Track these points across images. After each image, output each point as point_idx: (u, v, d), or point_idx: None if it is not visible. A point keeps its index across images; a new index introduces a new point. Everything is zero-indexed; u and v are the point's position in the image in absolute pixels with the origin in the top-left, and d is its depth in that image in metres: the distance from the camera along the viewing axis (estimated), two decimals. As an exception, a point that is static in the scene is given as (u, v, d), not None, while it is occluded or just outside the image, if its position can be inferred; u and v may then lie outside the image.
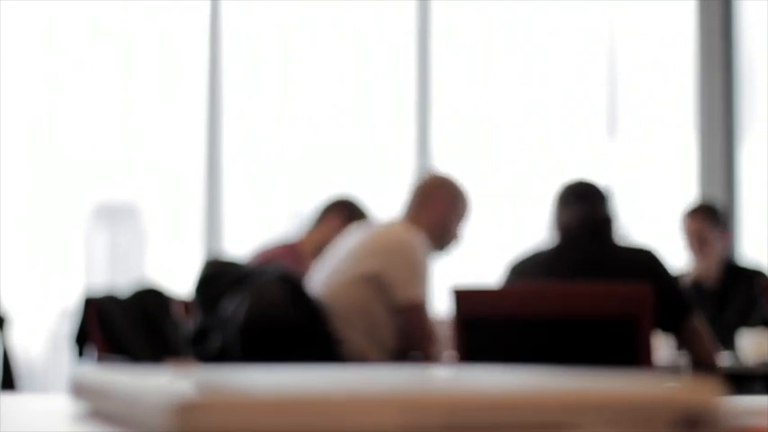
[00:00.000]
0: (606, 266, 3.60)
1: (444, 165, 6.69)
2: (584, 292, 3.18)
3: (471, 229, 4.16)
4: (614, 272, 3.54)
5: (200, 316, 3.81)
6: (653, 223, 6.82)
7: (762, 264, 5.57)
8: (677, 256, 5.51)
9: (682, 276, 5.31)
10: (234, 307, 3.69)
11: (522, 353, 3.12)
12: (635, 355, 3.07)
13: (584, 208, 3.71)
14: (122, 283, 5.35)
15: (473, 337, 3.22)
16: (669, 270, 3.64)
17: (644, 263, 3.59)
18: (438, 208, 4.02)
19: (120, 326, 4.26)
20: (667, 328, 3.61)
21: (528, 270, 3.70)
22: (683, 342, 3.71)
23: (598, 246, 3.67)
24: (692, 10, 7.14)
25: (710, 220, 5.27)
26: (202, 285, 3.82)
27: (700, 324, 3.72)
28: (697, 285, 5.24)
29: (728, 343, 4.85)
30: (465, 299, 3.24)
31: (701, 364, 3.73)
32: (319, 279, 3.96)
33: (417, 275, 3.84)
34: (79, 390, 0.72)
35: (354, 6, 6.97)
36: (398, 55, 6.94)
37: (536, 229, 3.87)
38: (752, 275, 5.16)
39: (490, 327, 3.21)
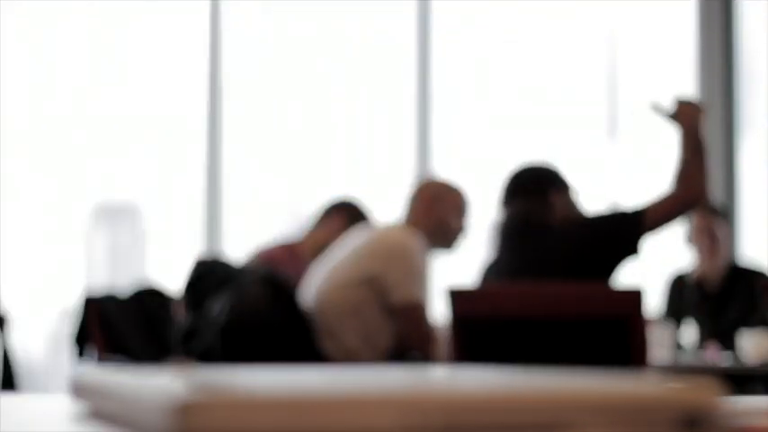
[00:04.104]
0: (548, 261, 3.63)
1: (444, 166, 6.69)
2: (579, 292, 3.19)
3: (471, 230, 4.16)
4: (558, 262, 3.58)
5: (189, 316, 3.82)
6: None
7: (762, 264, 5.57)
8: (677, 257, 5.51)
9: (686, 276, 5.32)
10: (218, 307, 3.70)
11: (517, 353, 3.13)
12: (630, 355, 3.08)
13: (511, 208, 3.76)
14: (122, 283, 5.35)
15: (469, 337, 3.23)
16: (596, 212, 3.69)
17: (573, 232, 3.63)
18: (436, 211, 4.04)
19: (120, 326, 4.26)
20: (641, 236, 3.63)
21: (492, 274, 3.77)
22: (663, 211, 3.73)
23: (532, 244, 3.70)
24: (692, 10, 7.14)
25: (718, 218, 5.28)
26: (191, 285, 3.83)
27: (657, 202, 3.75)
28: (699, 285, 5.24)
29: (728, 343, 4.85)
30: (461, 299, 3.24)
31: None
32: (317, 280, 3.97)
33: (415, 276, 3.85)
34: (79, 390, 0.72)
35: (354, 7, 6.97)
36: (398, 55, 6.94)
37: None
38: (753, 276, 5.16)
39: (486, 327, 3.21)
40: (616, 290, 3.25)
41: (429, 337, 3.89)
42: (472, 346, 3.20)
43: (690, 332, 5.02)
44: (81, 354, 4.28)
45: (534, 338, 3.14)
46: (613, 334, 3.09)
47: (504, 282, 3.66)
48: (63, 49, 6.54)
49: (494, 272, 3.76)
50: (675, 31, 7.22)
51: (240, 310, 3.66)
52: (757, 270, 5.23)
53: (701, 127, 3.76)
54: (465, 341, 3.21)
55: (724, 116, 7.02)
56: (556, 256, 3.62)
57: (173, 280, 4.32)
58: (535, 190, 3.77)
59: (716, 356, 4.69)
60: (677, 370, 4.42)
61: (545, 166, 3.87)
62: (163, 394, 0.55)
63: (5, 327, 4.42)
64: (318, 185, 6.58)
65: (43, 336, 6.50)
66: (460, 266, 5.22)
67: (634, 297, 3.10)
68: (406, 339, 3.90)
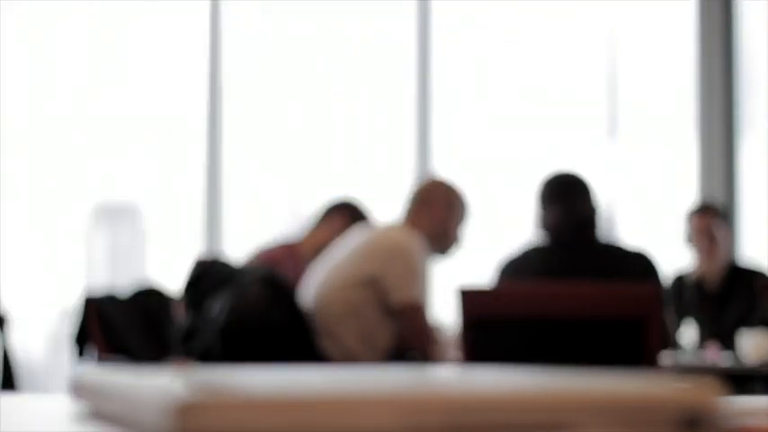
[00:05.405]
0: (600, 270, 3.59)
1: (444, 166, 6.69)
2: (592, 292, 3.17)
3: (471, 230, 4.16)
4: (608, 275, 3.54)
5: (189, 316, 3.82)
6: (653, 223, 6.82)
7: (762, 264, 5.57)
8: (677, 257, 5.52)
9: (686, 276, 5.32)
10: (218, 307, 3.70)
11: (529, 353, 3.12)
12: (643, 356, 3.07)
13: (567, 206, 3.69)
14: (122, 283, 5.35)
15: (480, 337, 3.22)
16: (661, 280, 3.63)
17: (639, 272, 3.58)
18: (436, 212, 4.03)
19: (120, 326, 4.26)
20: None
21: (519, 271, 3.70)
22: None
23: (588, 247, 3.66)
24: (692, 10, 7.14)
25: (718, 218, 5.29)
26: (191, 285, 3.83)
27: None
28: (699, 285, 5.24)
29: (728, 343, 4.85)
30: (472, 299, 3.23)
31: None
32: (316, 280, 3.97)
33: (414, 277, 3.84)
34: (79, 390, 0.72)
35: (354, 7, 6.97)
36: (398, 55, 6.94)
37: (532, 232, 3.86)
38: (752, 276, 5.17)
39: (497, 327, 3.20)
40: (630, 290, 3.23)
41: (429, 338, 3.88)
42: (484, 347, 3.19)
43: (690, 332, 5.02)
44: (81, 354, 4.27)
45: (546, 339, 3.13)
46: (627, 334, 3.08)
47: (539, 281, 3.62)
48: (63, 49, 6.54)
49: (530, 270, 3.69)
50: (675, 31, 7.22)
51: (240, 311, 3.66)
52: (757, 270, 5.23)
53: None
54: (477, 342, 3.20)
55: (724, 116, 7.02)
56: (601, 272, 3.57)
57: (173, 280, 4.32)
58: (581, 191, 3.73)
59: (716, 356, 4.69)
60: (677, 370, 4.42)
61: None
62: (163, 394, 0.55)
63: (5, 327, 4.42)
64: (318, 185, 6.58)
65: (43, 336, 6.50)
66: (459, 269, 5.22)
67: (648, 297, 3.09)
68: (406, 339, 3.90)
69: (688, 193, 6.84)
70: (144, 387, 0.59)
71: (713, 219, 5.26)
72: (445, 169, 6.43)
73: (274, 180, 6.72)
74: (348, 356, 3.85)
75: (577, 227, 3.68)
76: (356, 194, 4.81)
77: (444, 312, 4.57)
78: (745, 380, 4.50)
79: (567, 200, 3.70)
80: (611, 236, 3.78)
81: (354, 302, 3.86)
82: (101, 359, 4.22)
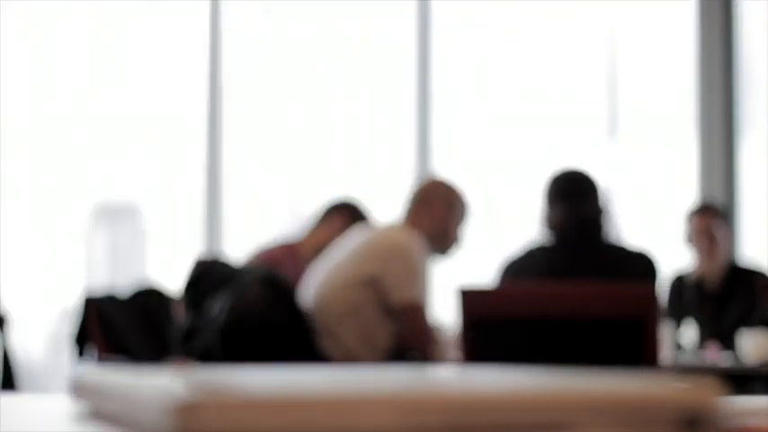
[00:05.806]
0: (602, 269, 3.59)
1: (444, 166, 6.69)
2: (592, 292, 3.17)
3: (471, 230, 4.16)
4: (610, 275, 3.54)
5: (189, 316, 3.82)
6: (653, 223, 6.82)
7: (762, 264, 5.57)
8: (677, 257, 5.52)
9: (686, 276, 5.32)
10: (218, 307, 3.70)
11: (528, 354, 3.11)
12: (642, 356, 3.07)
13: (573, 206, 3.68)
14: (122, 283, 5.35)
15: (480, 337, 3.22)
16: (661, 280, 3.63)
17: (640, 271, 3.58)
18: (436, 212, 4.03)
19: (120, 326, 4.26)
20: None
21: (522, 270, 3.69)
22: None
23: (592, 247, 3.65)
24: (692, 10, 7.14)
25: (718, 218, 5.29)
26: (191, 285, 3.83)
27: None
28: (699, 285, 5.24)
29: (728, 343, 4.85)
30: (472, 299, 3.23)
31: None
32: (316, 280, 3.97)
33: (414, 277, 3.84)
34: (79, 390, 0.72)
35: (354, 7, 6.97)
36: (398, 55, 6.94)
37: (536, 231, 3.86)
38: (752, 276, 5.17)
39: (497, 327, 3.20)
40: (629, 290, 3.22)
41: (429, 338, 3.88)
42: (484, 347, 3.19)
43: (690, 332, 5.03)
44: (81, 354, 4.28)
45: (546, 339, 3.13)
46: (626, 334, 3.08)
47: (543, 280, 3.62)
48: (63, 49, 6.54)
49: (534, 270, 3.68)
50: (675, 31, 7.22)
51: (240, 311, 3.66)
52: (757, 270, 5.23)
53: None
54: (477, 342, 3.20)
55: (724, 116, 7.02)
56: (604, 272, 3.56)
57: (173, 280, 4.32)
58: (589, 191, 3.70)
59: (716, 356, 4.69)
60: (677, 370, 4.42)
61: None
62: (163, 394, 0.55)
63: (5, 327, 4.42)
64: (318, 185, 6.58)
65: (43, 336, 6.50)
66: (460, 269, 5.22)
67: (647, 297, 3.09)
68: (406, 339, 3.90)
69: (688, 193, 6.84)
70: (144, 387, 0.59)
71: (713, 219, 5.26)
72: (445, 169, 6.43)
73: (274, 180, 6.72)
74: (348, 356, 3.85)
75: (582, 226, 3.67)
76: (356, 194, 4.81)
77: (444, 312, 4.57)
78: (745, 380, 4.50)
79: (572, 199, 3.69)
80: (617, 235, 3.75)
81: (354, 302, 3.86)
82: (101, 359, 4.22)
